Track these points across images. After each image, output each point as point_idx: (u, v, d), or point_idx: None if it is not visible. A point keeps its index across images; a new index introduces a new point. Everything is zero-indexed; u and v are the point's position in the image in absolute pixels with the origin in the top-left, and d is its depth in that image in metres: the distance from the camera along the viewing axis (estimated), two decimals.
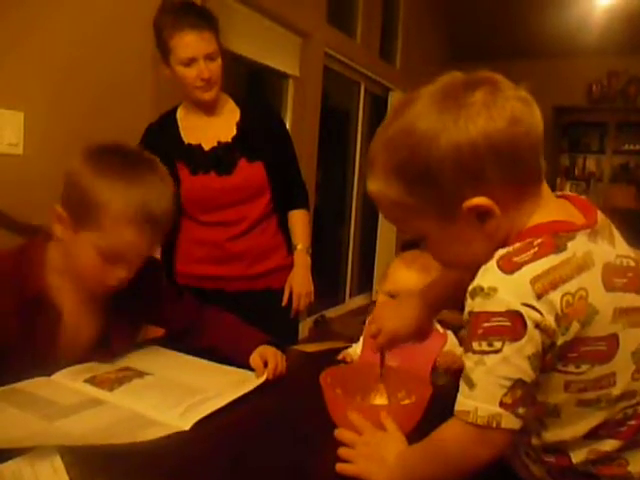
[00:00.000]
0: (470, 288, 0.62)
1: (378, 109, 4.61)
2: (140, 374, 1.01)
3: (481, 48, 4.73)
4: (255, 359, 1.07)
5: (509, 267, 0.61)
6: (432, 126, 0.62)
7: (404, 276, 1.25)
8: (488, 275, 0.62)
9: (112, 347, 1.08)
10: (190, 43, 1.45)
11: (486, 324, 0.60)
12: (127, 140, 1.56)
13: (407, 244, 4.79)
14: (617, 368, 0.64)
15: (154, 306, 1.14)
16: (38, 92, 1.65)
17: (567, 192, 0.73)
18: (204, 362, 1.13)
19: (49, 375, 0.97)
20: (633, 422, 0.66)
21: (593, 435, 0.66)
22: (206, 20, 1.48)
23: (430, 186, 0.63)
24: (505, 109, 0.61)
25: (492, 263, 0.62)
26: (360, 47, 4.02)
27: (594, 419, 0.66)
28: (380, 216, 4.84)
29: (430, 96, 0.64)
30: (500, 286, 0.60)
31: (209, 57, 1.47)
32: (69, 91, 1.74)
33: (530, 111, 0.63)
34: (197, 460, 0.78)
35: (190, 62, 1.46)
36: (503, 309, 0.59)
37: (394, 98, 4.62)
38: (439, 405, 0.76)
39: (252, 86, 3.23)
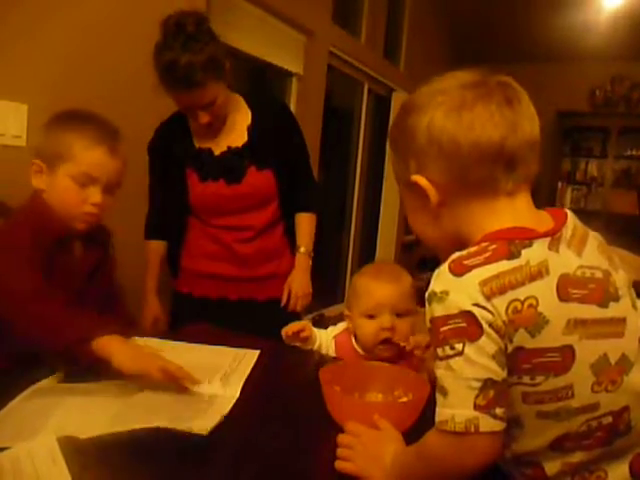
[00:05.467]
0: (426, 294, 0.64)
1: (381, 109, 4.60)
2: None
3: (485, 51, 4.73)
4: None
5: (459, 270, 0.62)
6: (418, 103, 0.69)
7: (378, 290, 1.14)
8: (440, 279, 0.63)
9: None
10: (183, 100, 1.40)
11: (444, 328, 0.61)
12: (134, 134, 1.56)
13: (406, 245, 4.80)
14: (574, 380, 0.63)
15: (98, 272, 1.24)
16: (42, 84, 1.65)
17: (554, 208, 0.73)
18: (191, 345, 1.19)
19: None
20: (599, 434, 0.66)
21: (558, 447, 0.66)
22: (209, 73, 1.34)
23: (397, 147, 0.74)
24: (473, 114, 0.64)
25: (444, 266, 0.63)
26: (364, 47, 4.01)
27: (554, 430, 0.66)
28: (380, 217, 4.84)
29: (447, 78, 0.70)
30: (451, 289, 0.61)
31: (208, 106, 1.40)
32: (74, 83, 1.73)
33: (500, 129, 0.64)
34: (195, 457, 0.78)
35: (186, 111, 1.44)
36: (456, 311, 0.60)
37: (397, 99, 4.61)
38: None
39: (255, 84, 3.23)
